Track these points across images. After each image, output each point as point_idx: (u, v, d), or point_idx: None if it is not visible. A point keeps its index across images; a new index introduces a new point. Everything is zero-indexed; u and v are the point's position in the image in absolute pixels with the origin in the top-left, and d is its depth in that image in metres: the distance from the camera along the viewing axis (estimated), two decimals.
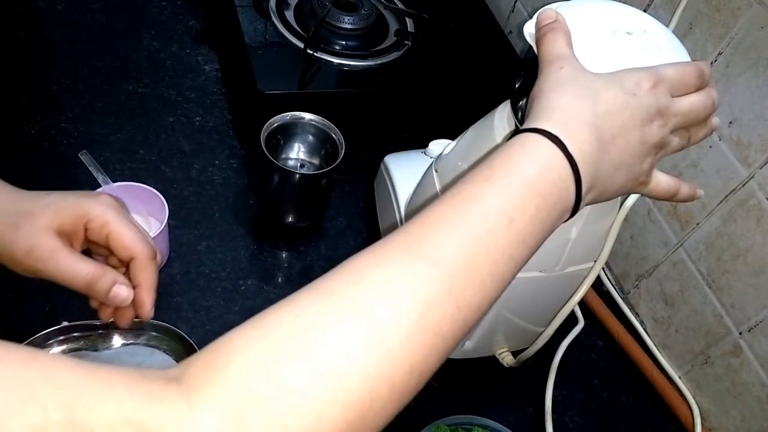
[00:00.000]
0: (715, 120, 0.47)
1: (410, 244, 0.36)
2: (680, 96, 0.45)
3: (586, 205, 0.43)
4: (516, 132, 0.53)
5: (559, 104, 0.42)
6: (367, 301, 0.33)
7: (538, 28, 0.46)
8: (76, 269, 0.46)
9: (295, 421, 0.29)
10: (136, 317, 0.51)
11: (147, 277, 0.50)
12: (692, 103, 0.45)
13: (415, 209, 0.71)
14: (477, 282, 0.36)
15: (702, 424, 0.73)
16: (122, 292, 0.48)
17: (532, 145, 0.40)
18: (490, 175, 0.38)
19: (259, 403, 0.28)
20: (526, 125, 0.41)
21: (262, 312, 0.32)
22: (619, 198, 0.59)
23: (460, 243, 0.36)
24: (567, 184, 0.40)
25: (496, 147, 0.54)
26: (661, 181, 0.47)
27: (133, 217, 0.52)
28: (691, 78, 0.45)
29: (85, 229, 0.48)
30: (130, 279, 0.50)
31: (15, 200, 0.48)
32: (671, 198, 0.49)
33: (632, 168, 0.44)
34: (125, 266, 0.51)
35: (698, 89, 0.45)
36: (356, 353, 0.31)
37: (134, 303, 0.50)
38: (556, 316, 0.66)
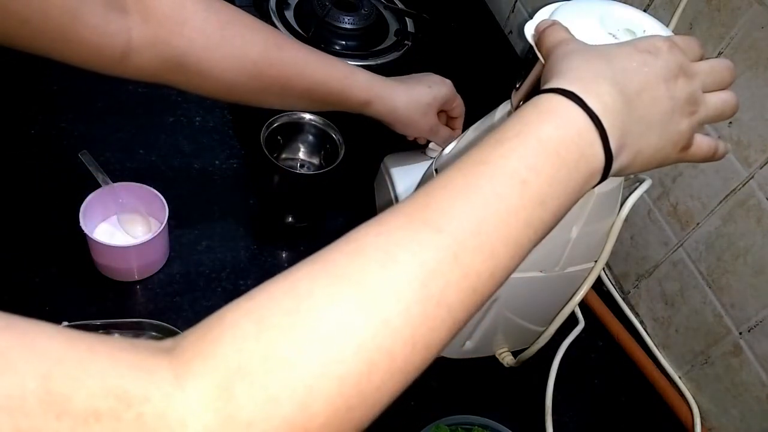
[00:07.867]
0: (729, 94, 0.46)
1: (413, 211, 0.34)
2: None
3: (625, 170, 0.41)
4: None
5: (571, 66, 0.40)
6: (364, 270, 0.31)
7: (538, 31, 0.46)
8: (448, 134, 0.74)
9: (286, 393, 0.28)
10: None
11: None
12: (709, 62, 0.44)
13: None
14: (487, 248, 0.34)
15: (702, 424, 0.73)
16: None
17: (544, 104, 0.38)
18: (500, 138, 0.37)
19: (248, 375, 0.27)
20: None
21: (260, 285, 0.32)
22: (619, 198, 0.59)
23: (467, 208, 0.34)
24: (589, 140, 0.37)
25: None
26: (702, 143, 0.45)
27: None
28: (696, 47, 0.44)
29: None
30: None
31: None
32: (711, 158, 0.47)
33: (667, 127, 0.41)
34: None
35: (702, 57, 0.45)
36: (350, 323, 0.30)
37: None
38: (556, 316, 0.66)
